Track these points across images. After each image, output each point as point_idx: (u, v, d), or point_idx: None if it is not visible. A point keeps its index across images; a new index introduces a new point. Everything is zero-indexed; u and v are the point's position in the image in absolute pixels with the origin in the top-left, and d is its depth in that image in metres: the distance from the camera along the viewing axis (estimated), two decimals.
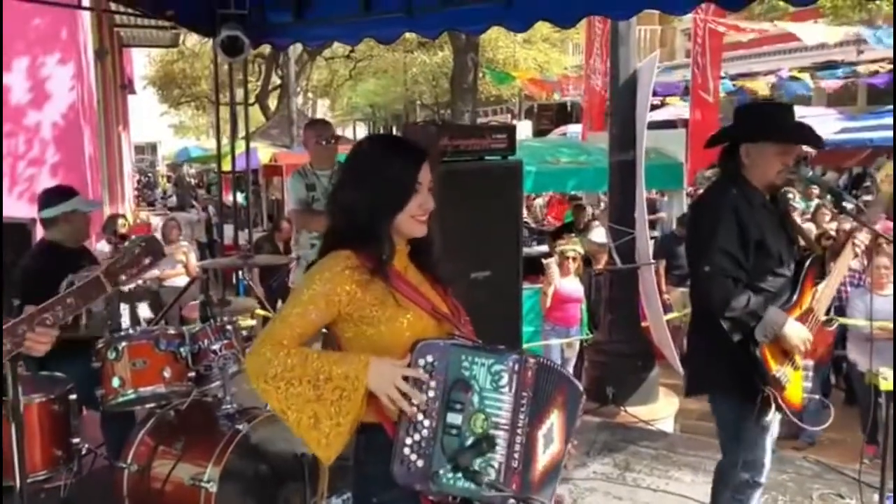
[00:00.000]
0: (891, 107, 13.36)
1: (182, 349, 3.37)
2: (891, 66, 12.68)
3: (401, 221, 1.96)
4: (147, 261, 2.19)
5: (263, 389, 1.87)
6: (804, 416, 3.09)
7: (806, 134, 3.05)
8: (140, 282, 7.14)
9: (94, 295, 2.16)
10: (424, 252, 2.08)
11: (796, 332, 2.82)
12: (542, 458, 1.88)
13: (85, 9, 7.24)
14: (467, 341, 1.93)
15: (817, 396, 3.03)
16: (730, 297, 2.77)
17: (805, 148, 11.99)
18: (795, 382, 2.87)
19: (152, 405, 3.49)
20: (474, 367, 1.83)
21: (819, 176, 5.51)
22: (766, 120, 2.97)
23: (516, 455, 1.82)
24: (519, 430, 1.82)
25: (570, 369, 7.17)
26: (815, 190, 9.98)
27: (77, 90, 7.77)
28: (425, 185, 1.97)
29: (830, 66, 14.57)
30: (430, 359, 1.84)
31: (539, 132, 22.51)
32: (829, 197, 7.88)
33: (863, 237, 3.00)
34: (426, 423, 1.83)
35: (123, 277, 2.17)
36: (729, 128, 3.14)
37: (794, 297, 2.91)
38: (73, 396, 3.33)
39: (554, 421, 1.90)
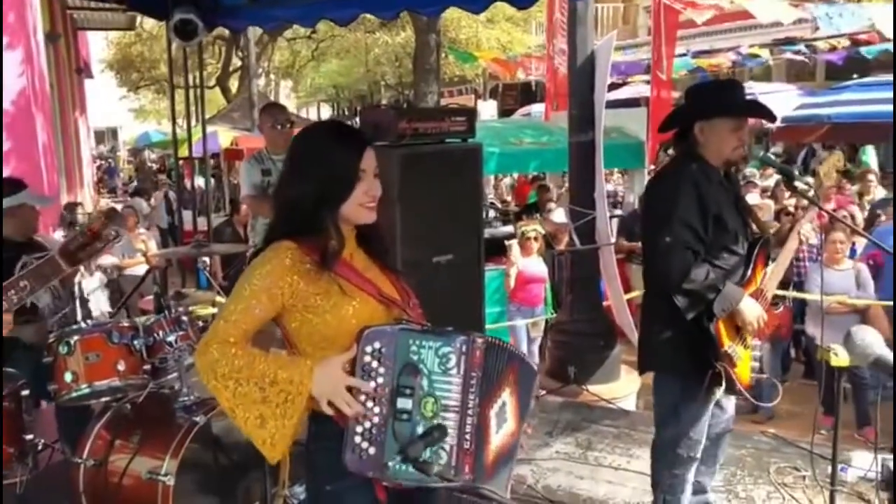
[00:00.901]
0: (848, 83, 13.57)
1: (136, 342, 3.31)
2: (847, 44, 12.87)
3: (347, 210, 1.95)
4: (111, 233, 2.14)
5: (214, 386, 1.87)
6: (762, 390, 3.15)
7: (757, 107, 3.08)
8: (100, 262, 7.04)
9: (50, 275, 2.11)
10: (374, 238, 2.07)
11: (751, 308, 2.86)
12: (496, 438, 1.88)
13: None
14: (415, 325, 1.92)
15: (765, 376, 3.08)
16: (689, 269, 2.78)
17: (765, 124, 12.18)
18: (745, 361, 2.92)
19: (108, 399, 3.44)
20: (422, 351, 1.82)
21: (771, 156, 5.56)
22: (718, 96, 3.01)
23: (468, 436, 1.82)
24: (469, 411, 1.82)
25: (536, 349, 7.23)
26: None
27: (27, 75, 7.57)
28: (370, 172, 1.95)
29: (789, 42, 14.71)
30: (377, 345, 1.84)
31: (504, 112, 22.49)
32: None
33: (809, 227, 3.05)
34: (376, 409, 1.82)
35: (82, 255, 2.12)
36: (681, 108, 3.16)
37: (748, 275, 2.94)
38: (25, 392, 3.26)
39: (506, 400, 1.90)
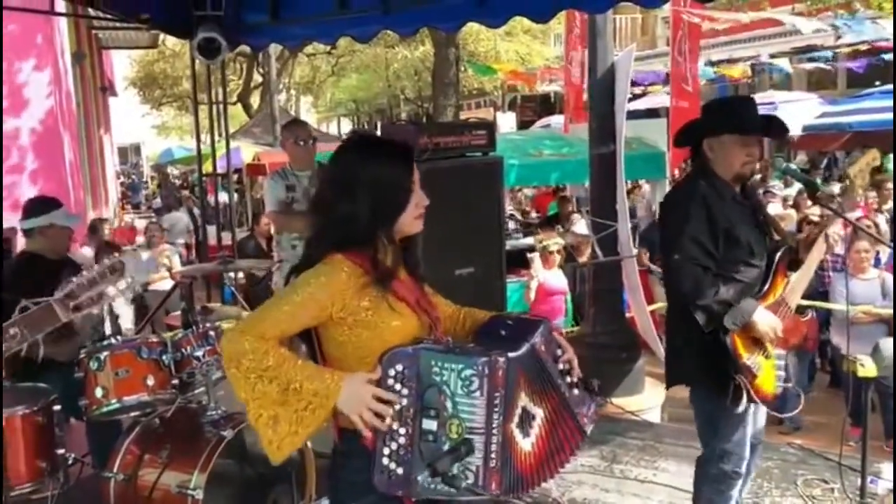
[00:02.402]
0: (870, 91, 13.46)
1: (164, 357, 3.36)
2: (867, 47, 12.76)
3: (403, 223, 1.98)
4: (108, 288, 2.12)
5: (233, 374, 1.87)
6: (786, 401, 3.12)
7: (765, 124, 3.08)
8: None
9: (45, 325, 2.04)
10: (412, 250, 2.08)
11: (765, 320, 2.85)
12: (525, 443, 1.87)
13: (59, 14, 7.18)
14: (436, 344, 1.92)
15: (791, 385, 3.06)
16: (700, 285, 2.81)
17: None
18: (768, 371, 2.90)
19: (137, 413, 3.49)
20: (444, 373, 1.82)
21: (794, 167, 5.51)
22: (726, 112, 3.03)
23: (493, 455, 1.81)
24: (494, 431, 1.81)
25: None
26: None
27: (55, 95, 7.72)
28: (417, 183, 1.99)
29: (809, 49, 14.63)
30: (399, 367, 1.85)
31: (522, 124, 22.51)
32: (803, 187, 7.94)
33: (836, 229, 3.04)
34: (402, 430, 1.83)
35: (83, 302, 2.07)
36: (691, 124, 3.17)
37: (766, 287, 2.95)
38: (56, 407, 3.32)
39: (524, 404, 1.89)
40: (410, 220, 1.98)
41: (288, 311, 1.89)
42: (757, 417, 3.17)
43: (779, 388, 2.97)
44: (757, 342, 2.88)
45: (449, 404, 1.82)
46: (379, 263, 1.92)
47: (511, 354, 1.85)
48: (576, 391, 2.01)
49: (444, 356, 1.84)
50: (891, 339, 1.34)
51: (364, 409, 1.82)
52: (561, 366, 1.99)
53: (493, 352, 1.84)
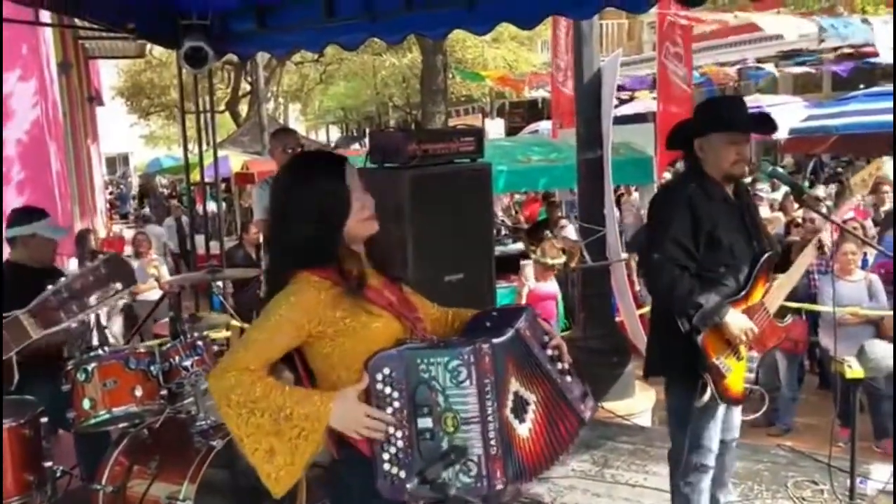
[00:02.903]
0: (854, 93, 13.57)
1: (153, 367, 3.35)
2: (851, 52, 12.88)
3: (350, 231, 1.97)
4: (93, 297, 2.00)
5: (226, 413, 1.87)
6: (778, 406, 3.15)
7: (753, 122, 3.11)
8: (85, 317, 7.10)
9: (14, 342, 1.89)
10: (376, 250, 2.08)
11: (737, 322, 2.89)
12: (522, 429, 1.88)
13: (44, 24, 7.16)
14: (419, 342, 1.93)
15: (757, 387, 3.12)
16: (674, 285, 2.86)
17: (773, 136, 12.15)
18: (737, 372, 2.95)
19: (125, 425, 3.46)
20: (432, 368, 1.82)
21: (781, 171, 5.54)
22: (714, 112, 3.07)
23: (493, 442, 1.82)
24: (490, 418, 1.82)
25: None
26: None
27: (41, 105, 7.66)
28: (356, 187, 1.98)
29: (794, 54, 14.76)
30: (386, 371, 1.85)
31: (511, 130, 22.58)
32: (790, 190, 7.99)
33: (825, 237, 3.08)
34: (399, 433, 1.84)
35: (61, 315, 1.93)
36: (681, 126, 3.19)
37: (744, 291, 2.97)
38: (44, 419, 3.29)
39: (516, 388, 1.89)
40: (358, 226, 1.97)
41: (265, 339, 1.90)
42: (730, 417, 3.20)
43: (747, 388, 3.03)
44: (729, 343, 2.93)
45: (441, 399, 1.82)
46: (346, 274, 1.93)
47: (495, 340, 1.86)
48: (568, 378, 2.01)
49: (428, 352, 1.85)
50: (876, 341, 1.35)
51: (359, 426, 1.84)
52: (550, 352, 2.00)
53: (478, 340, 1.85)
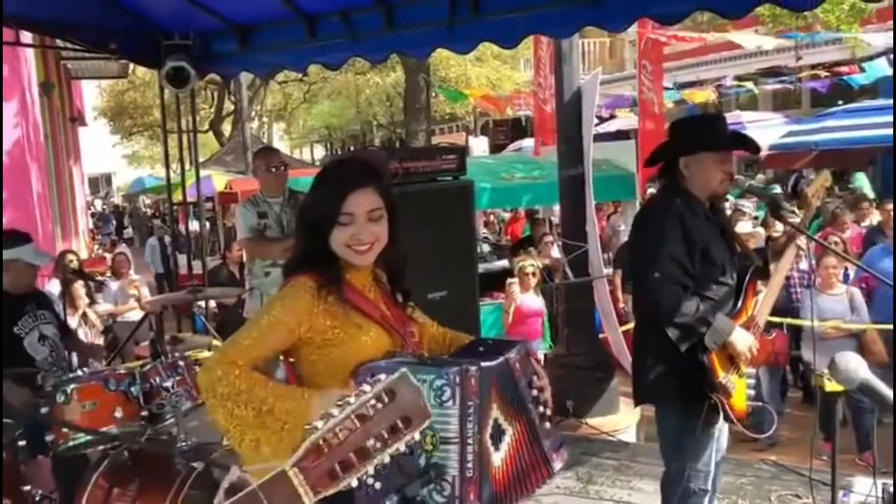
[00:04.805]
0: (833, 110, 13.77)
1: (133, 388, 3.31)
2: (828, 75, 13.10)
3: (335, 249, 1.96)
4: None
5: (212, 404, 1.88)
6: (762, 420, 3.15)
7: (741, 140, 3.13)
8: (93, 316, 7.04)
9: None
10: (382, 266, 2.08)
11: (743, 338, 2.87)
12: (496, 457, 1.87)
13: (25, 45, 7.14)
14: (409, 357, 1.93)
15: (760, 403, 3.09)
16: (680, 304, 2.80)
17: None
18: (740, 390, 2.92)
19: (105, 447, 3.42)
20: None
21: (757, 185, 5.60)
22: (701, 130, 3.06)
23: (470, 465, 1.81)
24: (469, 440, 1.81)
25: None
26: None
27: (22, 127, 7.64)
28: (359, 215, 1.93)
29: (773, 72, 14.96)
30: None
31: (495, 147, 22.69)
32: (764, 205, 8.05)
33: (803, 240, 3.09)
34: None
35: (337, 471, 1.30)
36: (665, 144, 3.20)
37: (739, 305, 2.97)
38: (21, 443, 3.26)
39: (496, 416, 1.89)
40: (341, 250, 1.95)
41: (256, 336, 1.92)
42: (722, 437, 3.19)
43: (749, 406, 3.00)
44: (731, 361, 2.90)
45: None
46: (330, 275, 1.95)
47: (483, 364, 1.86)
48: (547, 424, 2.01)
49: (415, 368, 1.84)
50: (848, 352, 1.36)
51: None
52: (535, 392, 2.00)
53: (465, 361, 1.85)
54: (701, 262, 2.89)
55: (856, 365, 1.41)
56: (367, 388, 1.29)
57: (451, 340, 2.20)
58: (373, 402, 1.26)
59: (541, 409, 2.01)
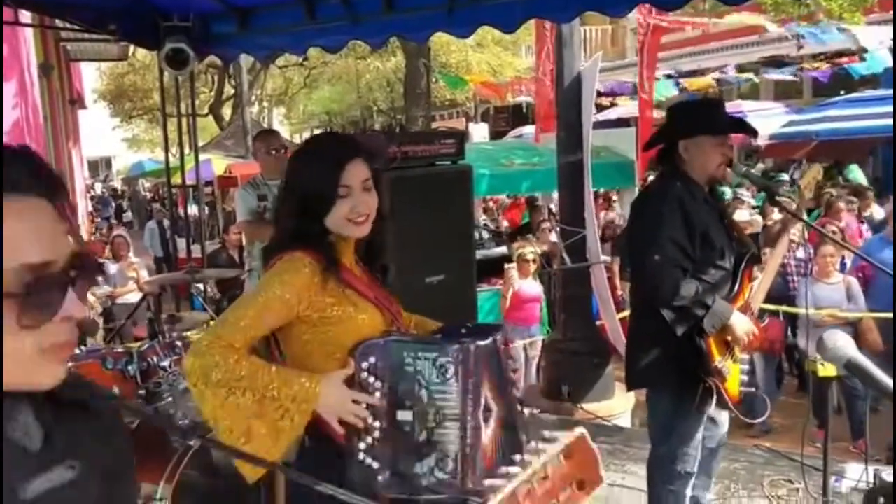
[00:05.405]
0: (834, 99, 13.73)
1: (130, 367, 3.34)
2: (829, 66, 13.06)
3: (332, 225, 1.95)
4: None
5: (200, 391, 1.81)
6: (755, 406, 3.17)
7: (740, 124, 3.14)
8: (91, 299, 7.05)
9: None
10: (372, 254, 2.09)
11: (741, 323, 2.88)
12: (485, 434, 1.88)
13: (23, 25, 7.12)
14: (406, 335, 1.94)
15: (753, 389, 3.10)
16: (679, 286, 2.81)
17: (753, 141, 12.27)
18: (735, 375, 2.94)
19: None
20: (418, 363, 1.82)
21: (753, 172, 5.60)
22: (700, 114, 3.07)
23: (469, 441, 1.83)
24: (469, 417, 1.83)
25: (534, 368, 7.24)
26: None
27: (21, 107, 7.60)
28: (355, 187, 1.93)
29: (775, 61, 14.90)
30: (372, 360, 1.85)
31: (496, 134, 22.61)
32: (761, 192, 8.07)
33: (785, 242, 3.11)
34: (377, 423, 1.84)
35: None
36: (664, 127, 3.20)
37: (735, 290, 2.98)
38: None
39: (486, 393, 1.90)
40: (339, 224, 1.94)
41: (253, 315, 1.85)
42: (720, 420, 3.21)
43: (741, 391, 3.02)
44: (727, 346, 2.92)
45: (424, 394, 1.82)
46: (329, 256, 1.93)
47: (479, 343, 1.87)
48: (519, 407, 2.05)
49: (415, 346, 1.85)
50: (836, 330, 1.37)
51: (343, 412, 1.82)
52: (511, 375, 2.03)
53: (465, 340, 1.86)
54: (701, 245, 2.90)
55: (843, 342, 1.43)
56: (543, 446, 1.28)
57: (416, 324, 2.19)
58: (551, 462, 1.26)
59: (515, 392, 2.03)
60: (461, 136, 4.95)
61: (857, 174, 12.44)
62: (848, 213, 8.54)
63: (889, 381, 1.38)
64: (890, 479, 1.78)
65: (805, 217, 3.26)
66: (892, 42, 10.31)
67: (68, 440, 0.91)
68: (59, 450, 0.90)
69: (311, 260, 1.89)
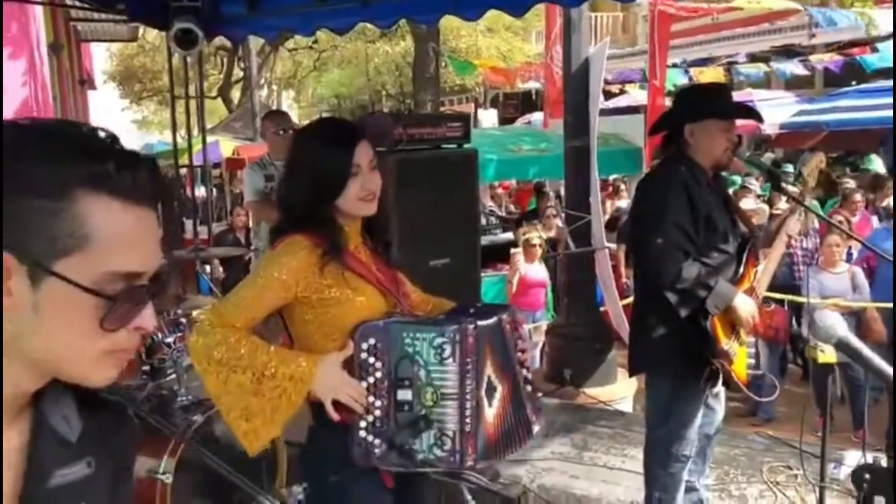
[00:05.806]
0: (846, 89, 13.64)
1: None
2: (841, 57, 12.95)
3: (345, 206, 1.98)
4: None
5: (204, 369, 1.88)
6: (762, 391, 3.18)
7: (746, 109, 3.14)
8: None
9: None
10: (375, 230, 2.12)
11: (746, 305, 2.89)
12: (489, 412, 1.92)
13: (33, 2, 7.13)
14: (406, 317, 1.97)
15: (760, 371, 3.12)
16: (681, 269, 2.81)
17: (763, 130, 12.19)
18: (741, 357, 2.96)
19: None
20: (416, 343, 1.86)
21: (758, 158, 5.60)
22: (706, 98, 3.06)
23: (468, 420, 1.86)
24: (468, 396, 1.86)
25: (538, 353, 7.27)
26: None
27: (30, 86, 7.63)
28: (364, 166, 1.97)
29: (786, 50, 14.79)
30: (372, 341, 1.89)
31: (505, 120, 22.53)
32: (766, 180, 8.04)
33: (793, 226, 3.11)
34: (377, 403, 1.88)
35: None
36: (670, 111, 3.20)
37: (740, 273, 2.99)
38: None
39: (490, 373, 1.94)
40: (351, 205, 1.97)
41: (253, 296, 1.92)
42: (717, 407, 3.23)
43: (749, 374, 3.04)
44: (733, 328, 2.93)
45: (422, 373, 1.86)
46: (332, 240, 1.95)
47: (480, 322, 1.91)
48: (528, 387, 2.09)
49: (414, 327, 1.89)
50: (827, 311, 1.39)
51: (337, 393, 1.86)
52: (520, 354, 2.05)
53: (464, 320, 1.90)
54: (705, 229, 2.91)
55: (833, 321, 1.44)
56: None
57: (434, 306, 2.23)
58: None
59: (524, 371, 2.06)
60: (467, 120, 4.94)
61: (876, 164, 12.35)
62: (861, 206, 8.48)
63: (882, 361, 1.39)
64: (883, 463, 1.79)
65: (815, 206, 3.26)
66: None
67: (90, 437, 0.94)
68: (85, 445, 0.92)
69: (310, 243, 1.93)
